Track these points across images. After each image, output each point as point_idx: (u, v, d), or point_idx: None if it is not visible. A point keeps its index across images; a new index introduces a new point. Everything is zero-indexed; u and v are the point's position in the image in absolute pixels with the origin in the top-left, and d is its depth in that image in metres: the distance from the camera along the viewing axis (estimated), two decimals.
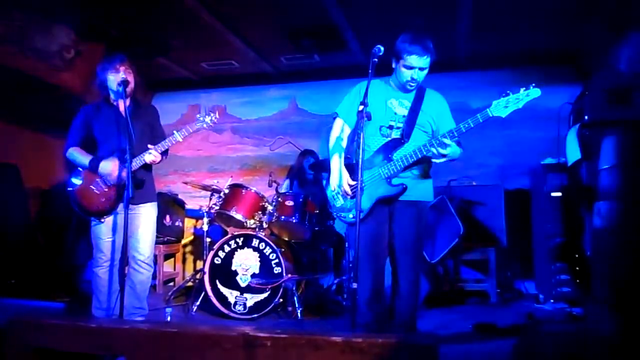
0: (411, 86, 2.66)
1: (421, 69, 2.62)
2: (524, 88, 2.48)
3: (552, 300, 4.00)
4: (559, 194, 4.08)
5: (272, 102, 5.91)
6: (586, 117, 3.46)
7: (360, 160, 2.41)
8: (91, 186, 3.06)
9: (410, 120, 2.66)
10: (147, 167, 3.18)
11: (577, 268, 3.91)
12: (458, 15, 4.17)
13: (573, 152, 3.80)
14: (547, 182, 4.17)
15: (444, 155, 2.53)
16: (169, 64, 5.36)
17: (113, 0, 3.93)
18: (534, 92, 2.47)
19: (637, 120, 3.04)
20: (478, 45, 4.70)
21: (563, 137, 4.04)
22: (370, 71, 2.55)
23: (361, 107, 2.42)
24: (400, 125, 2.67)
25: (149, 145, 3.02)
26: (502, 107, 2.47)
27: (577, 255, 3.92)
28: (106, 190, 3.05)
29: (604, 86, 3.35)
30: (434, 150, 2.52)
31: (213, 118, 3.10)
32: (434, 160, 2.65)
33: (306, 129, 5.69)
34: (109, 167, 3.01)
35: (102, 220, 3.06)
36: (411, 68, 2.60)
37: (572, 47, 4.79)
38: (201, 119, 3.10)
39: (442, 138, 2.50)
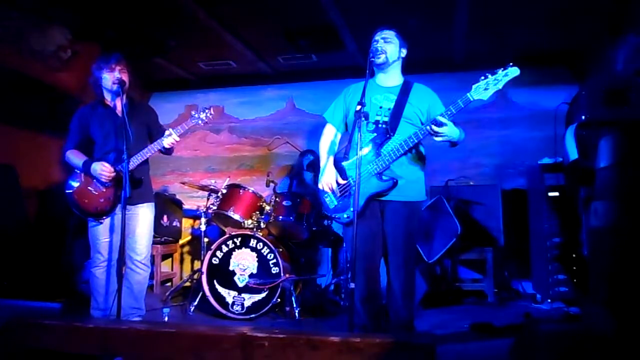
0: (379, 58, 2.65)
1: (384, 39, 2.69)
2: (502, 68, 2.46)
3: (549, 300, 4.01)
4: (556, 193, 4.09)
5: (270, 102, 5.90)
6: (583, 117, 3.47)
7: (358, 160, 2.41)
8: (89, 187, 3.07)
9: (396, 113, 2.65)
10: (144, 167, 3.18)
11: (574, 268, 3.92)
12: (455, 16, 4.18)
13: (571, 152, 3.81)
14: (544, 182, 4.19)
15: (440, 134, 2.47)
16: (166, 64, 5.35)
17: (110, 0, 3.92)
18: (513, 72, 2.44)
19: (633, 120, 3.06)
20: (475, 46, 4.71)
21: (560, 137, 4.05)
22: (367, 71, 2.57)
23: (358, 107, 2.43)
24: (386, 119, 2.66)
25: (170, 129, 3.02)
26: (482, 89, 2.46)
27: (574, 255, 3.93)
28: (104, 190, 3.06)
29: (600, 86, 3.36)
30: (430, 129, 2.46)
31: (208, 114, 3.09)
32: (436, 139, 2.53)
33: (304, 129, 5.69)
34: (97, 169, 3.00)
35: (101, 221, 3.07)
36: (376, 42, 2.69)
37: (569, 48, 4.80)
38: (196, 115, 3.09)
39: (438, 117, 2.45)
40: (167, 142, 3.01)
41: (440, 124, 2.44)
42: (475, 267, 4.68)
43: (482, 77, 2.48)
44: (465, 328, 3.34)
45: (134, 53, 4.53)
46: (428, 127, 2.49)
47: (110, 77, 3.02)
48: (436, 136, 2.50)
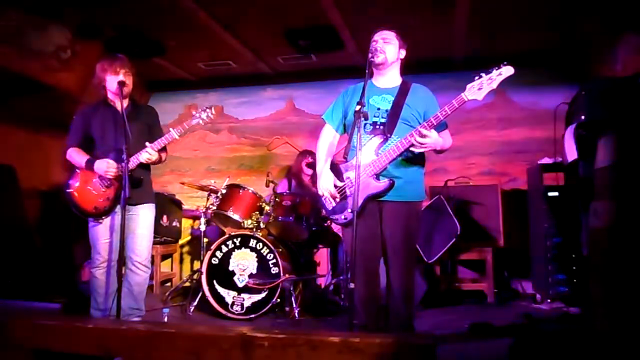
0: (378, 57, 2.65)
1: (384, 39, 2.68)
2: (496, 68, 2.44)
3: (549, 300, 4.01)
4: (555, 193, 4.09)
5: (270, 102, 5.91)
6: (583, 117, 3.47)
7: (357, 160, 2.41)
8: (88, 187, 3.06)
9: (394, 114, 2.64)
10: (145, 167, 3.18)
11: (574, 268, 3.92)
12: (454, 16, 4.18)
13: (570, 152, 3.81)
14: (544, 182, 4.19)
15: (424, 145, 2.49)
16: (165, 64, 5.35)
17: (110, 0, 3.93)
18: (507, 71, 2.43)
19: (632, 120, 3.05)
20: (474, 46, 4.71)
21: (559, 137, 4.05)
22: (367, 71, 2.57)
23: (358, 107, 2.42)
24: (384, 120, 2.66)
25: (146, 144, 3.02)
26: (476, 89, 2.45)
27: (573, 255, 3.93)
28: (104, 190, 3.05)
29: (600, 87, 3.36)
30: (414, 140, 2.49)
31: (209, 114, 3.11)
32: (416, 150, 2.56)
33: (303, 129, 5.69)
34: (103, 166, 3.00)
35: (100, 221, 3.06)
36: (375, 42, 2.68)
37: (568, 48, 4.81)
38: (197, 115, 3.11)
39: (420, 127, 2.48)
40: (143, 157, 3.01)
41: (422, 135, 2.45)
42: (475, 267, 4.68)
43: (477, 77, 2.47)
44: (465, 328, 3.34)
45: (134, 53, 4.53)
46: (414, 139, 2.48)
47: (113, 80, 3.02)
48: (417, 147, 2.50)
